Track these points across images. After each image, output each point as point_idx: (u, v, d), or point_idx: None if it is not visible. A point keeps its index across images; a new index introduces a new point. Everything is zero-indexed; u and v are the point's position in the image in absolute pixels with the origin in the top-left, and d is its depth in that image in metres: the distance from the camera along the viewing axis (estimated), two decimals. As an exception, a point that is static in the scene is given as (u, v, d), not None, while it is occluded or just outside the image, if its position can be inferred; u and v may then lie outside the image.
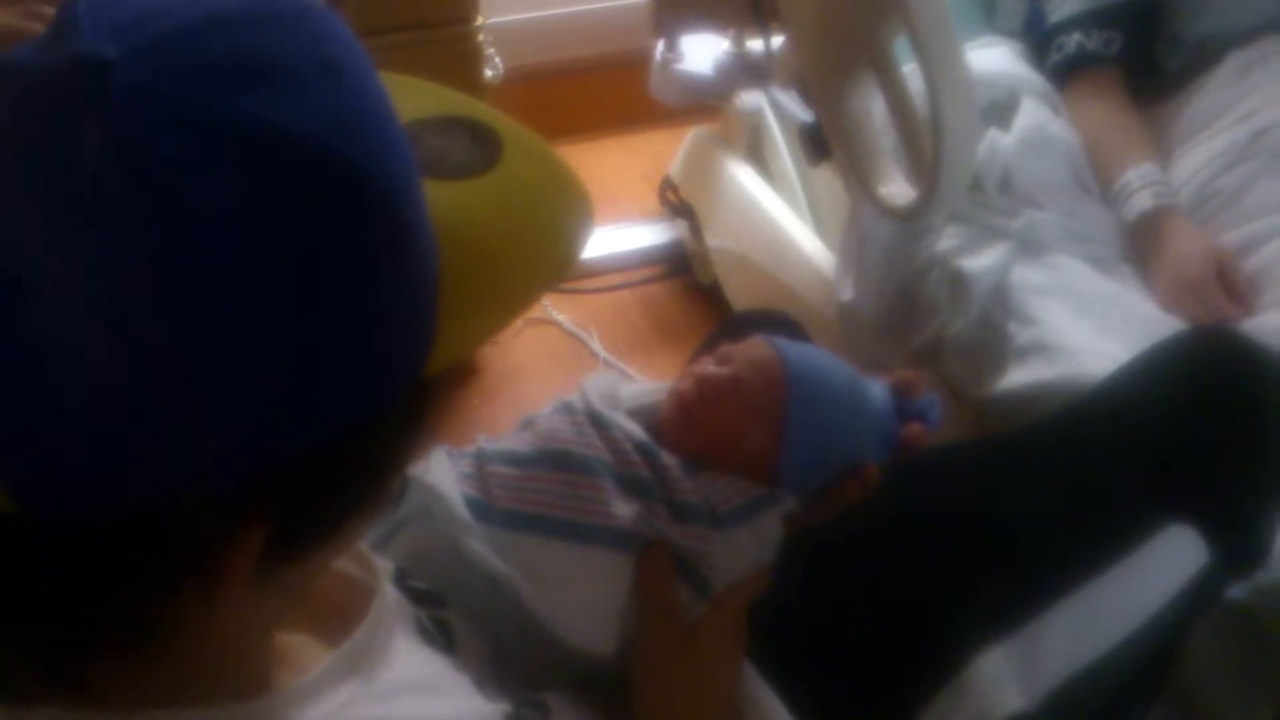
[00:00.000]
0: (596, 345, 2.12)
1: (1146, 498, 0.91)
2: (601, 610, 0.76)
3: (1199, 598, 0.93)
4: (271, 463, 0.44)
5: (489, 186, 0.54)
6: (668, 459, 0.79)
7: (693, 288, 2.23)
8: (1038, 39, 1.52)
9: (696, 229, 2.17)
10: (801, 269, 1.80)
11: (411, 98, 0.58)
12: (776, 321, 1.27)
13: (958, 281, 1.33)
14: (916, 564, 0.91)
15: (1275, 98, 1.35)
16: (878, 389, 0.86)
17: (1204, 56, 1.42)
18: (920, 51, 1.18)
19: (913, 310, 1.40)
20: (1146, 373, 0.99)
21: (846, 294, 1.45)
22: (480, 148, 0.56)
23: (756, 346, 0.86)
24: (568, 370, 2.09)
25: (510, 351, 2.11)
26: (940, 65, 1.18)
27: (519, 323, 2.17)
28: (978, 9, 1.61)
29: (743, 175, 2.00)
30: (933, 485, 0.93)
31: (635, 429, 0.81)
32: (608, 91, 2.53)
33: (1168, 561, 0.90)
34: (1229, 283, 1.27)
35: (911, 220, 1.29)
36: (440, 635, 0.74)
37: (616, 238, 2.33)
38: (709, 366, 0.85)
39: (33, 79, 0.41)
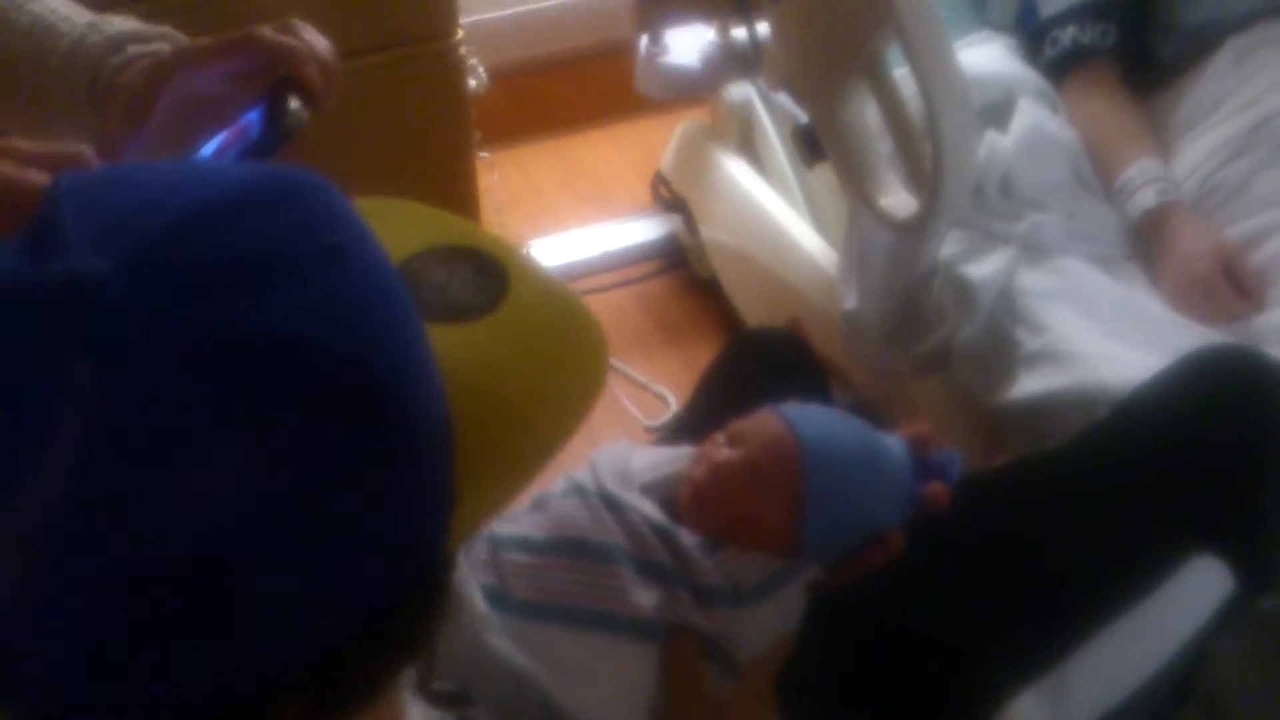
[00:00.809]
0: (597, 347, 2.10)
1: (1172, 531, 0.91)
2: (629, 702, 0.75)
3: (1224, 622, 0.93)
4: (297, 663, 0.43)
5: (499, 325, 0.53)
6: (686, 540, 0.78)
7: (691, 282, 2.21)
8: (1031, 34, 1.49)
9: (691, 223, 2.14)
10: (799, 263, 1.78)
11: (406, 227, 0.57)
12: (786, 342, 1.26)
13: (963, 289, 1.31)
14: (943, 610, 0.91)
15: (1275, 85, 1.33)
16: (896, 447, 0.84)
17: (1200, 44, 1.39)
18: (914, 61, 1.16)
19: (918, 318, 1.39)
20: (1166, 397, 0.98)
21: (850, 303, 1.44)
22: (485, 281, 0.54)
23: (768, 424, 0.84)
24: (570, 374, 2.07)
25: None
26: (935, 74, 1.16)
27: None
28: (967, 4, 1.58)
29: (735, 169, 1.97)
30: (956, 530, 0.91)
31: (651, 510, 0.80)
32: (593, 83, 2.50)
33: (1194, 594, 0.90)
34: (1237, 279, 1.26)
35: (915, 232, 1.27)
36: None
37: (611, 234, 2.31)
38: (721, 450, 0.83)
39: (18, 304, 0.39)
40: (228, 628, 0.40)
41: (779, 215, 1.85)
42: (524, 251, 0.58)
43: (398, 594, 0.45)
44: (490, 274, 0.55)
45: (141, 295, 0.39)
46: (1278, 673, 1.14)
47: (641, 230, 2.31)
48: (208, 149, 0.64)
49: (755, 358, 1.24)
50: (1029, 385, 1.26)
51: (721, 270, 2.06)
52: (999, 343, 1.30)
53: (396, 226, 0.57)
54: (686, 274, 2.23)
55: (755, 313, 1.96)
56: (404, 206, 0.59)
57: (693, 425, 1.18)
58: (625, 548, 0.77)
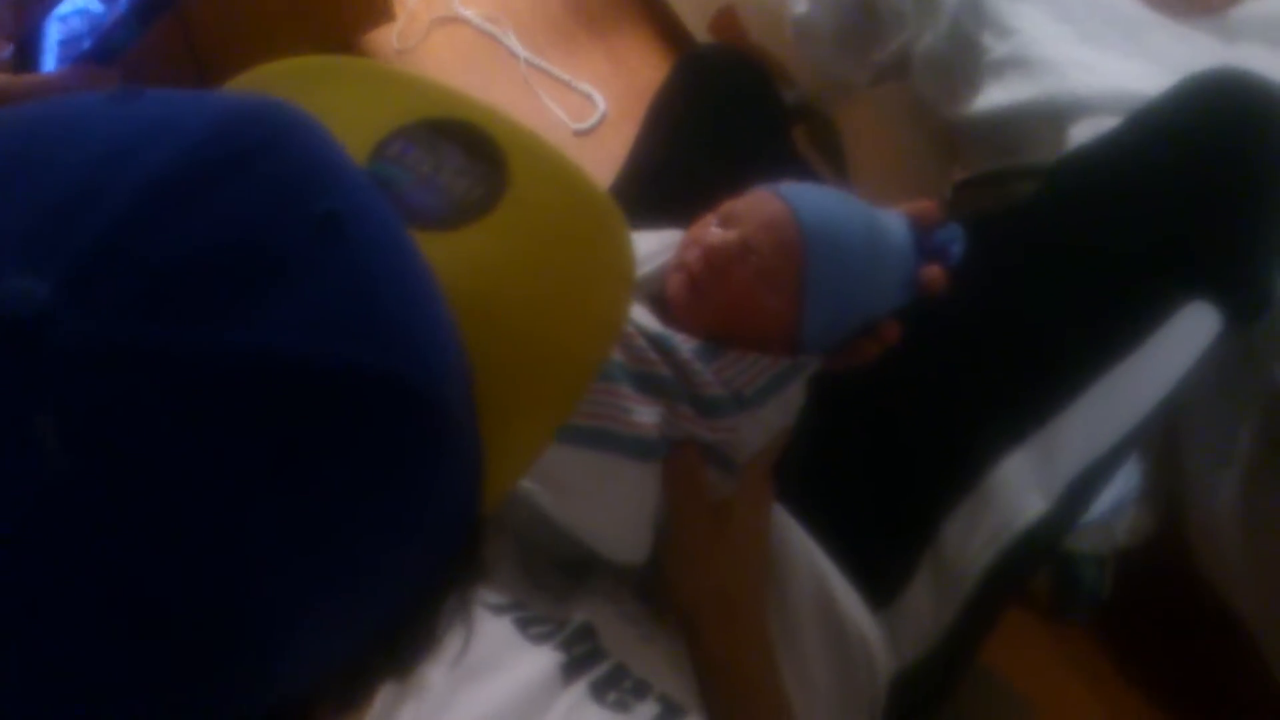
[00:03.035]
0: (514, 43, 1.95)
1: (1163, 275, 0.88)
2: (634, 519, 0.73)
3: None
4: (343, 659, 0.39)
5: (503, 228, 0.45)
6: (684, 350, 0.73)
7: (611, -37, 2.03)
8: None
9: (605, -107, 1.94)
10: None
11: (369, 99, 0.47)
12: (739, 62, 1.17)
13: (924, -10, 1.21)
14: (931, 376, 0.89)
15: None
16: (896, 225, 0.79)
17: None
18: None
19: (875, 22, 1.28)
20: (1156, 132, 0.92)
21: (800, 6, 1.32)
22: (480, 167, 0.46)
23: (765, 203, 0.77)
24: (485, 75, 1.93)
25: (417, 60, 1.94)
26: None
27: (424, 26, 1.98)
28: None
29: None
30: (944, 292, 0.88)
31: (646, 318, 0.74)
32: None
33: (1182, 342, 0.89)
34: (1217, -32, 1.17)
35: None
36: None
37: (515, -93, 2.08)
38: (714, 232, 0.77)
39: None
40: (269, 659, 0.36)
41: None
42: (515, 119, 0.48)
43: (436, 573, 0.41)
44: (485, 157, 0.46)
45: (97, 322, 0.31)
46: (1231, 383, 1.15)
47: (551, -99, 2.08)
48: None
49: (704, 83, 1.15)
50: (995, 95, 1.19)
51: (643, -51, 1.89)
52: (963, 49, 1.21)
53: (357, 99, 0.47)
54: (605, -47, 2.05)
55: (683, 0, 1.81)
56: (359, 68, 0.48)
57: (653, 168, 1.11)
58: (621, 361, 0.72)
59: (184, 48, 1.60)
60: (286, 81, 0.48)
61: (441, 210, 0.45)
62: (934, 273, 0.78)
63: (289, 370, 0.33)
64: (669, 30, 1.87)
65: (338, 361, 0.33)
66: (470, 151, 0.46)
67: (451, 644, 0.64)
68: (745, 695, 0.74)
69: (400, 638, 0.42)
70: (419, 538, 0.38)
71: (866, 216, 0.78)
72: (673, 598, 0.76)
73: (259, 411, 0.32)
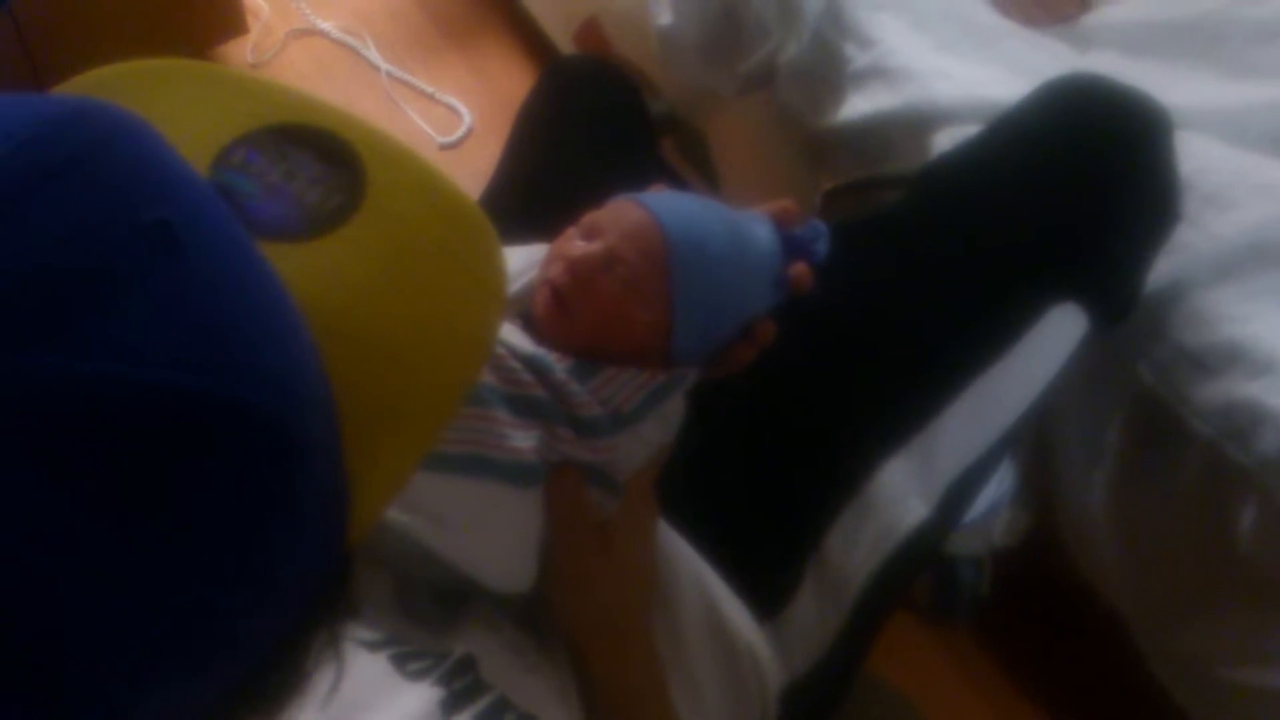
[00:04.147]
0: (374, 55, 1.90)
1: (1031, 277, 0.89)
2: (517, 550, 0.70)
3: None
4: (202, 708, 0.36)
5: (361, 237, 0.41)
6: (559, 370, 0.70)
7: (471, -25, 2.00)
8: None
9: (464, -95, 1.91)
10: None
11: (211, 104, 0.44)
12: (605, 73, 1.15)
13: (785, 1, 1.21)
14: (810, 383, 0.89)
15: None
16: (761, 228, 0.78)
17: None
18: None
19: (740, 33, 1.28)
20: (1016, 138, 0.94)
21: (665, 18, 1.31)
22: (335, 174, 0.42)
23: (627, 212, 0.75)
24: (346, 88, 1.88)
25: (273, 74, 1.87)
26: None
27: (279, 39, 1.92)
28: None
29: None
30: (816, 297, 0.88)
31: (518, 338, 0.72)
32: None
33: (1051, 344, 0.90)
34: (1067, -22, 1.21)
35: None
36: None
37: (372, -82, 2.03)
38: (577, 245, 0.74)
39: None
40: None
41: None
42: (374, 125, 0.45)
43: (301, 611, 0.38)
44: (340, 165, 0.43)
45: None
46: (1098, 382, 1.18)
47: (407, -87, 2.04)
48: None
49: (571, 94, 1.13)
50: (859, 105, 1.20)
51: (505, -39, 1.87)
52: (826, 59, 1.22)
53: (199, 104, 0.44)
54: (466, -36, 2.01)
55: (546, 10, 1.79)
56: (200, 72, 0.45)
57: (521, 181, 1.08)
58: (494, 384, 0.69)
59: (21, 60, 1.51)
60: (122, 85, 0.44)
61: (293, 221, 0.41)
62: (801, 270, 0.78)
63: (117, 399, 0.29)
64: (532, 41, 1.85)
65: (174, 388, 0.30)
66: (323, 159, 0.43)
67: (322, 684, 0.60)
68: None
69: (265, 682, 0.39)
70: (277, 576, 0.35)
71: (729, 219, 0.77)
72: (558, 624, 0.73)
73: (81, 446, 0.29)
